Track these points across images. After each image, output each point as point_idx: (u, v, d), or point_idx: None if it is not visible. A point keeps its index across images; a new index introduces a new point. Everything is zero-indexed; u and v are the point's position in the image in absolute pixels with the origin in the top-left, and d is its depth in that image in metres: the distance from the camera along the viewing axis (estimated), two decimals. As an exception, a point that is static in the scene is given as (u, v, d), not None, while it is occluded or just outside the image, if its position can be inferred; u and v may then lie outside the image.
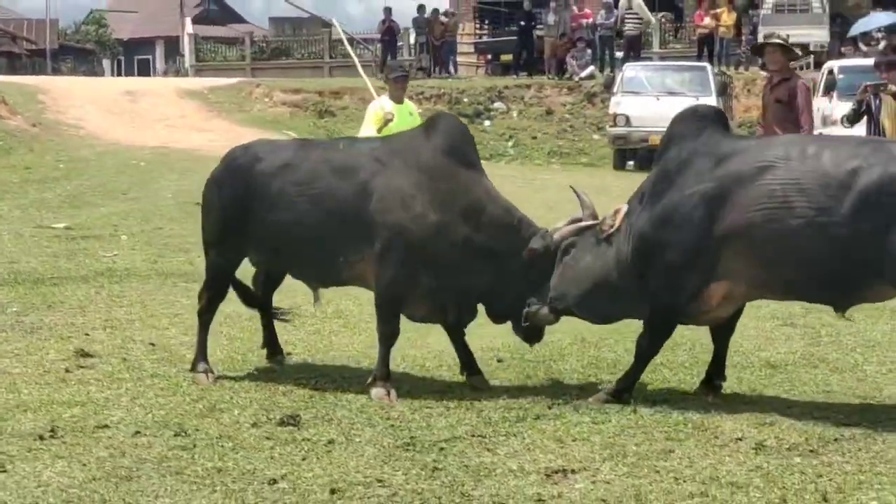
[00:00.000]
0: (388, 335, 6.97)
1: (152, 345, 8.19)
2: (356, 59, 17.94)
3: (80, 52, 74.24)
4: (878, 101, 12.11)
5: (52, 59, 67.20)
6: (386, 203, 6.84)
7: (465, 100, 30.50)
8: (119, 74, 68.10)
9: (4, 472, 5.42)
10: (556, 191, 19.77)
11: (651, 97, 24.34)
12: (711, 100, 23.46)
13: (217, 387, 7.04)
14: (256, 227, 7.19)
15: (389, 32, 33.84)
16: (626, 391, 6.71)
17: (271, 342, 7.79)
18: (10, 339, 8.24)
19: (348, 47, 24.95)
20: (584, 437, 6.06)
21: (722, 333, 6.94)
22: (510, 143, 28.72)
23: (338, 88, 31.55)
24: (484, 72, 37.75)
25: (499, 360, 7.74)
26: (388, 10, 34.13)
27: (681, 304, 6.55)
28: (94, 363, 7.64)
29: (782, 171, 6.25)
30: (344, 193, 6.96)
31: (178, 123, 28.42)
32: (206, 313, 7.53)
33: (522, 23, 32.39)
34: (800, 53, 15.39)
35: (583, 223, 6.83)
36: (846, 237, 6.09)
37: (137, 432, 6.08)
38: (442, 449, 5.84)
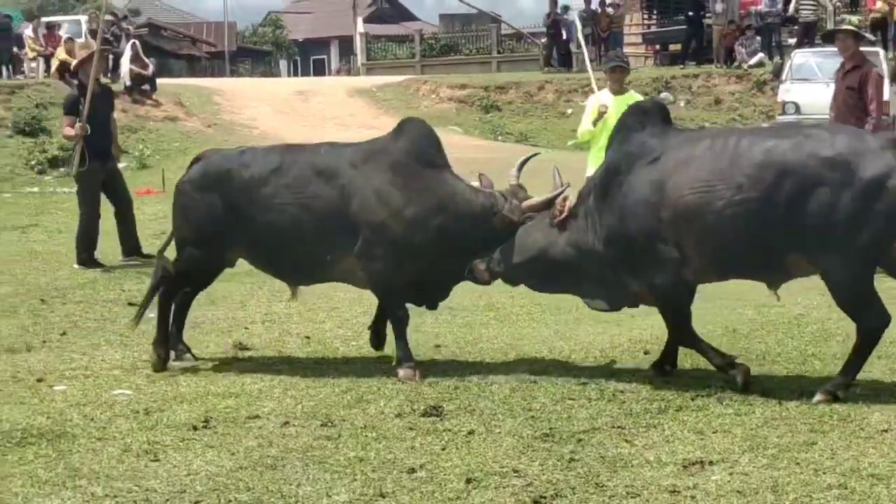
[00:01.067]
0: (399, 320, 7.43)
1: (307, 338, 8.44)
2: (587, 60, 17.65)
3: (257, 53, 76.10)
4: None
5: (231, 61, 69.01)
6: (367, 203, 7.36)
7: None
8: (295, 74, 69.46)
9: (157, 461, 5.66)
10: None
11: (821, 84, 23.66)
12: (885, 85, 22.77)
13: (365, 379, 7.19)
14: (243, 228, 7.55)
15: (555, 26, 33.73)
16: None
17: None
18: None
19: (581, 42, 24.46)
20: (725, 428, 6.01)
21: None
22: (679, 134, 28.35)
23: (503, 83, 31.71)
24: (652, 62, 37.41)
25: (645, 353, 7.72)
26: (554, 3, 34.00)
27: (675, 277, 6.89)
28: (251, 356, 7.91)
29: (709, 161, 6.69)
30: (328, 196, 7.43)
31: (347, 122, 28.93)
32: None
33: (691, 12, 31.91)
34: (872, 39, 15.07)
35: (548, 197, 7.32)
36: (763, 217, 6.53)
37: (286, 423, 6.28)
38: (580, 440, 5.87)
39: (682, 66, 32.54)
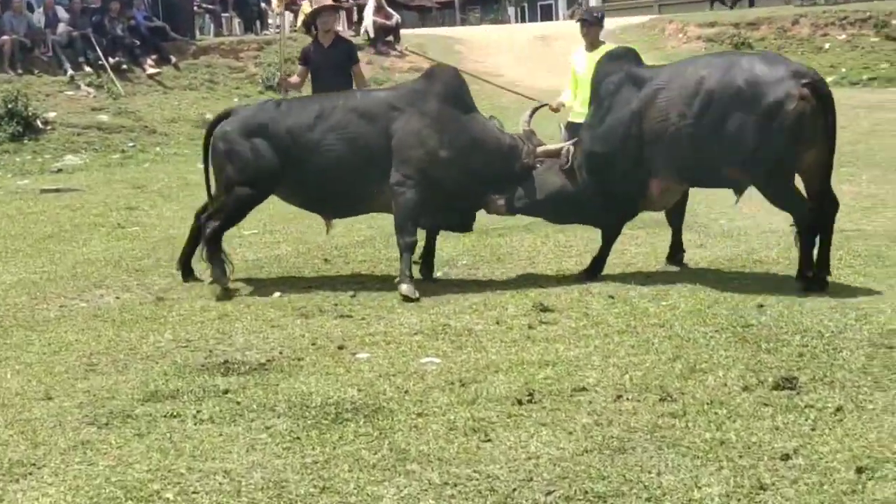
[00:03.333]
0: (409, 245, 8.25)
1: (611, 297, 7.75)
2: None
3: (486, 2, 75.63)
4: None
5: (461, 10, 68.76)
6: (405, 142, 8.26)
7: (894, 22, 28.34)
8: (524, 21, 68.68)
9: (489, 440, 5.10)
10: None
11: None
12: None
13: (692, 344, 6.47)
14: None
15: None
16: (599, 270, 8.47)
17: None
18: (467, 291, 8.09)
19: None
20: None
21: (675, 216, 8.76)
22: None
23: (754, 19, 30.20)
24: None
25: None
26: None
27: (635, 196, 8.33)
28: (555, 318, 7.28)
29: (665, 91, 7.95)
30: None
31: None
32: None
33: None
34: None
35: (558, 147, 8.49)
36: (703, 133, 7.72)
37: (619, 396, 5.62)
38: (975, 418, 5.04)
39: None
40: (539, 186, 8.42)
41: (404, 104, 8.34)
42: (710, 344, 6.46)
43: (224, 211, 8.53)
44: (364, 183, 8.32)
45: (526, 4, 76.30)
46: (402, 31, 30.00)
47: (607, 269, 8.52)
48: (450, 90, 8.39)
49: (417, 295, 7.96)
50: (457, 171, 8.22)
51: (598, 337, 6.77)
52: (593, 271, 8.46)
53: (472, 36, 31.94)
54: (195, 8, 25.26)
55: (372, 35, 25.58)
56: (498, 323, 7.22)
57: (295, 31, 25.77)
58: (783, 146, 7.53)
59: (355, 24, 26.51)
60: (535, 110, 8.82)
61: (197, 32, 25.18)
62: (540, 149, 8.47)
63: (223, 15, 26.30)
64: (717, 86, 7.69)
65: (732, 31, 29.69)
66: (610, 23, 34.27)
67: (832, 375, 5.74)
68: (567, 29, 34.06)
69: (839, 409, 5.26)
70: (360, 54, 24.84)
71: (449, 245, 9.67)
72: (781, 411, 5.28)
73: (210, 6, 25.77)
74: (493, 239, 9.92)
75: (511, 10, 75.72)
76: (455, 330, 7.09)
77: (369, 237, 10.45)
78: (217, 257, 8.47)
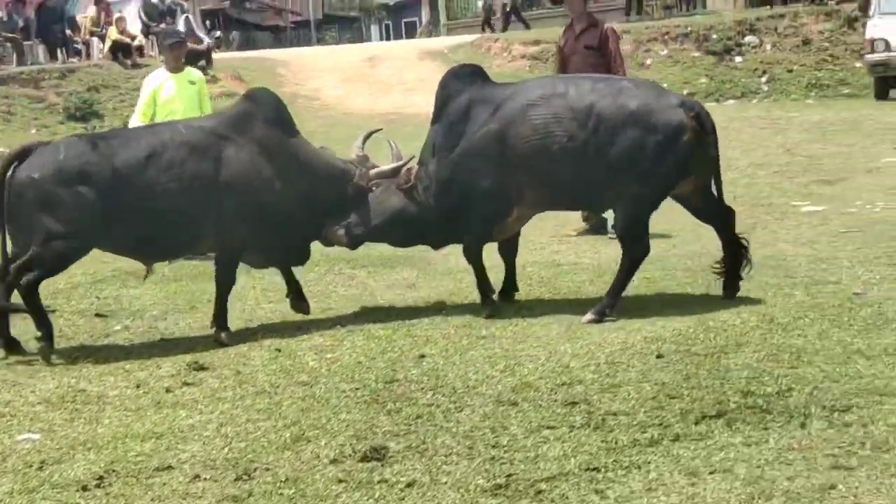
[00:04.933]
0: (227, 287, 7.98)
1: (278, 351, 7.36)
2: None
3: (344, 20, 75.26)
4: None
5: (317, 30, 68.31)
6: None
7: (714, 36, 28.54)
8: (387, 39, 68.41)
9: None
10: (798, 132, 18.12)
11: (912, 17, 22.00)
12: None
13: (321, 406, 6.08)
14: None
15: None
16: (488, 297, 8.13)
17: None
18: (131, 348, 7.60)
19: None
20: (726, 466, 4.79)
21: (509, 248, 8.40)
22: (763, 79, 26.73)
23: (578, 35, 30.19)
24: (742, 4, 35.53)
25: (658, 356, 6.49)
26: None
27: (490, 228, 8.06)
28: (202, 378, 6.87)
29: (543, 108, 7.66)
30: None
31: (415, 87, 27.76)
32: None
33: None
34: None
35: (393, 166, 8.16)
36: (590, 157, 7.57)
37: (197, 476, 5.18)
38: (539, 492, 4.70)
39: (768, 6, 30.73)
40: (378, 210, 8.11)
41: (229, 132, 7.86)
42: (339, 405, 6.08)
43: (41, 265, 7.52)
44: (196, 221, 7.77)
45: (390, 23, 76.18)
46: (223, 55, 29.51)
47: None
48: (272, 114, 8.02)
49: (226, 340, 7.70)
50: (289, 201, 7.87)
51: (232, 400, 6.34)
52: (485, 301, 8.09)
53: (299, 57, 31.54)
54: (-7, 38, 24.44)
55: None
56: (138, 386, 6.77)
57: (101, 58, 25.15)
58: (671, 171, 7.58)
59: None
60: (368, 135, 8.49)
61: (-2, 62, 24.35)
62: (373, 171, 8.12)
63: (25, 43, 25.45)
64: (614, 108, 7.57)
65: (555, 49, 29.66)
66: (441, 42, 34.30)
67: (431, 442, 5.38)
68: (396, 50, 33.92)
69: (412, 483, 4.90)
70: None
71: (148, 293, 9.22)
72: (352, 488, 4.90)
73: (10, 34, 24.91)
74: (197, 284, 9.45)
75: (374, 29, 75.61)
76: (87, 396, 6.62)
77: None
78: (42, 313, 7.60)
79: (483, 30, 33.57)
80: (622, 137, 7.50)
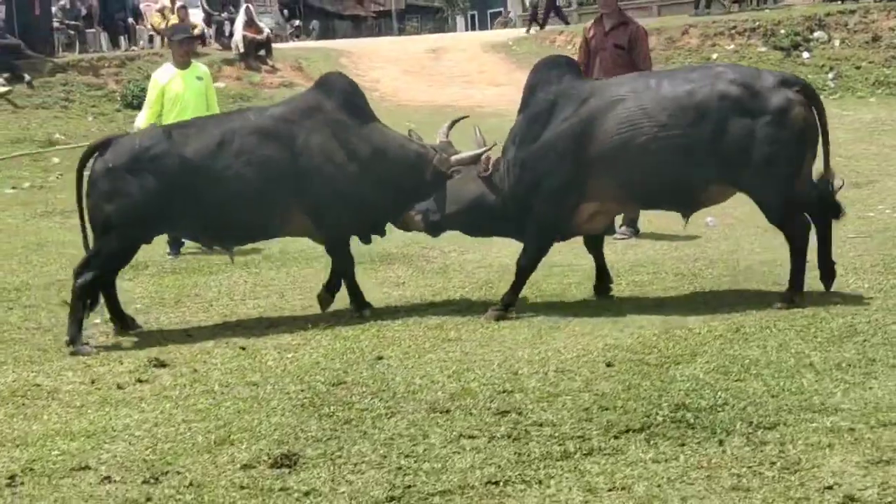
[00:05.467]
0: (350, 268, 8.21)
1: (243, 349, 7.35)
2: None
3: (426, 10, 75.32)
4: None
5: (399, 20, 68.39)
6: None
7: (782, 31, 28.01)
8: (473, 29, 68.38)
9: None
10: (846, 131, 17.68)
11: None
12: None
13: (259, 408, 6.03)
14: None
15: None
16: (511, 305, 7.81)
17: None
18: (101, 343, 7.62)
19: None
20: (626, 484, 4.66)
21: (595, 243, 8.29)
22: (830, 76, 26.16)
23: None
24: (819, -2, 34.87)
25: (608, 365, 6.35)
26: (701, -59, 31.86)
27: (560, 221, 7.83)
28: (156, 376, 6.87)
29: (632, 102, 7.52)
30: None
31: (475, 79, 27.74)
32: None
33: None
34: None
35: (474, 153, 8.00)
36: (687, 149, 7.40)
37: (108, 477, 5.15)
38: (430, 507, 4.62)
39: (839, 1, 30.07)
40: (455, 197, 8.02)
41: (301, 118, 7.93)
42: (276, 407, 6.03)
43: (102, 258, 7.73)
44: (271, 208, 7.88)
45: (476, 13, 76.05)
46: (287, 45, 29.64)
47: (267, 312, 8.11)
48: (346, 98, 8.03)
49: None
50: (363, 184, 7.89)
51: (176, 399, 6.32)
52: (505, 309, 7.86)
53: (364, 47, 31.56)
54: (56, 24, 24.71)
55: (242, 50, 25.10)
56: (93, 382, 6.78)
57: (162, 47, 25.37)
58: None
59: (225, 39, 26.02)
60: (454, 122, 8.39)
61: (60, 49, 24.63)
62: (454, 157, 8.01)
63: (88, 31, 25.76)
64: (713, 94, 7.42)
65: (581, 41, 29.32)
66: (505, 34, 34.10)
67: (347, 449, 5.31)
68: (462, 42, 33.83)
69: (309, 492, 4.83)
70: (230, 69, 24.43)
71: (141, 285, 9.26)
72: (251, 496, 4.84)
73: (73, 22, 25.23)
74: (192, 278, 9.48)
75: (459, 20, 75.53)
76: (38, 391, 6.65)
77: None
78: (79, 318, 7.60)
79: (529, 26, 33.43)
80: (730, 127, 7.36)
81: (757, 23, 28.71)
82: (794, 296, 7.44)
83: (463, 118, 8.57)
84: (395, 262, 9.86)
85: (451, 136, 8.25)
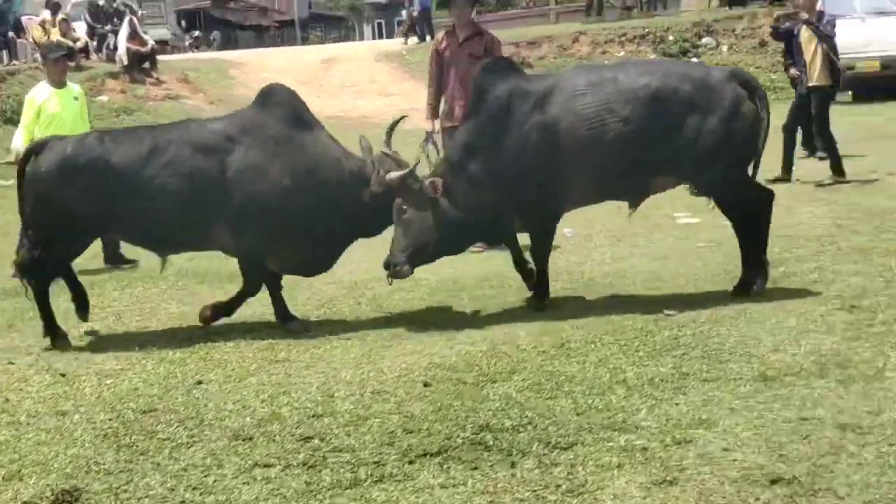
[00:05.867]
0: (250, 293, 8.03)
1: (62, 375, 7.10)
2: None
3: (330, 19, 75.06)
4: None
5: (302, 29, 68.01)
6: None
7: (671, 38, 28.36)
8: (380, 37, 68.20)
9: None
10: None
11: (856, 19, 21.68)
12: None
13: (52, 443, 5.81)
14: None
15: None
16: (543, 297, 7.97)
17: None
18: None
19: None
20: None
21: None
22: (718, 81, 26.42)
23: (534, 38, 29.99)
24: (718, 4, 35.27)
25: (426, 384, 6.23)
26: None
27: (551, 212, 7.88)
28: None
29: (592, 97, 7.53)
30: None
31: (365, 89, 27.67)
32: None
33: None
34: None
35: (401, 174, 7.59)
36: (644, 141, 7.47)
37: None
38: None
39: (727, 8, 30.45)
40: (416, 233, 7.73)
41: (240, 132, 7.75)
42: (78, 439, 5.80)
43: (50, 258, 7.90)
44: (195, 221, 7.75)
45: (383, 21, 75.94)
46: (174, 57, 29.27)
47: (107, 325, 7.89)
48: (287, 111, 7.83)
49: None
50: (303, 204, 7.66)
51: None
52: (540, 295, 7.98)
53: (256, 59, 31.36)
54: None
55: (126, 62, 24.72)
56: None
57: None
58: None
59: (109, 51, 25.63)
60: (392, 128, 8.04)
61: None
62: (387, 176, 7.62)
63: (-29, 46, 25.25)
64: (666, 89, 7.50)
65: (512, 50, 29.35)
66: (397, 43, 34.03)
67: (136, 483, 5.11)
68: (357, 51, 33.72)
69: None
70: (114, 83, 23.98)
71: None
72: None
73: (-50, 37, 24.71)
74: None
75: (367, 28, 75.39)
76: None
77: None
78: (50, 315, 7.97)
79: (406, 37, 33.58)
80: (686, 120, 7.45)
81: (646, 29, 29.00)
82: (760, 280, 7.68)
83: (402, 118, 8.23)
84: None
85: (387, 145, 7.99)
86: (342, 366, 6.85)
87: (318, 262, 8.10)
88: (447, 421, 5.59)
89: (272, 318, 8.14)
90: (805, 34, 13.45)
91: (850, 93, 22.73)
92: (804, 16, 13.55)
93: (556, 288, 8.49)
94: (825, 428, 5.09)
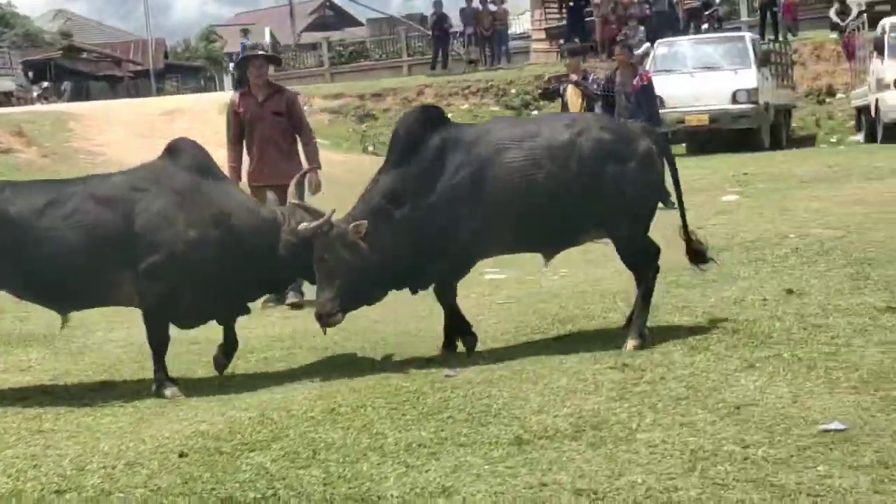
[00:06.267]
0: (161, 344, 7.72)
1: None
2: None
3: (187, 69, 74.41)
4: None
5: (157, 79, 67.22)
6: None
7: (513, 91, 28.73)
8: (240, 87, 67.73)
9: None
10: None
11: (685, 74, 22.23)
12: (751, 72, 21.39)
13: None
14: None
15: (439, 26, 32.14)
16: (468, 332, 8.13)
17: None
18: None
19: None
20: None
21: None
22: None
23: (379, 90, 30.14)
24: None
25: (181, 455, 6.03)
26: (437, 4, 32.38)
27: (465, 260, 7.96)
28: None
29: (516, 151, 7.60)
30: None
31: (209, 140, 26.96)
32: None
33: (572, 3, 30.38)
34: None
35: (316, 224, 7.47)
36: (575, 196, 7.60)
37: None
38: None
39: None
40: (345, 278, 7.58)
41: (144, 185, 7.57)
42: None
43: None
44: (95, 275, 7.56)
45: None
46: (13, 109, 28.65)
47: None
48: (192, 165, 7.67)
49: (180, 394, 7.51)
50: (213, 256, 7.52)
51: None
52: (453, 340, 8.11)
53: (91, 111, 30.82)
54: None
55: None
56: None
57: None
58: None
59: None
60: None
61: None
62: (300, 227, 7.53)
63: None
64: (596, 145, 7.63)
65: (357, 104, 29.46)
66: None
67: None
68: (201, 102, 33.36)
69: None
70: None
71: None
72: None
73: None
74: None
75: (227, 78, 74.80)
76: None
77: None
78: None
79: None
80: (602, 171, 7.59)
81: (490, 83, 29.36)
82: (640, 338, 7.67)
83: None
84: (33, 343, 9.38)
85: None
86: (105, 435, 6.64)
87: (221, 317, 7.99)
88: (192, 495, 5.42)
89: (48, 383, 7.90)
90: (571, 92, 14.79)
91: (683, 146, 23.29)
92: (573, 77, 14.93)
93: (349, 348, 8.41)
94: (563, 493, 5.04)
